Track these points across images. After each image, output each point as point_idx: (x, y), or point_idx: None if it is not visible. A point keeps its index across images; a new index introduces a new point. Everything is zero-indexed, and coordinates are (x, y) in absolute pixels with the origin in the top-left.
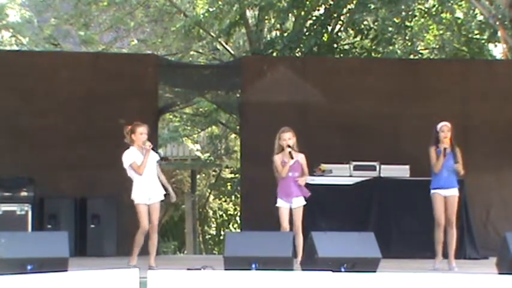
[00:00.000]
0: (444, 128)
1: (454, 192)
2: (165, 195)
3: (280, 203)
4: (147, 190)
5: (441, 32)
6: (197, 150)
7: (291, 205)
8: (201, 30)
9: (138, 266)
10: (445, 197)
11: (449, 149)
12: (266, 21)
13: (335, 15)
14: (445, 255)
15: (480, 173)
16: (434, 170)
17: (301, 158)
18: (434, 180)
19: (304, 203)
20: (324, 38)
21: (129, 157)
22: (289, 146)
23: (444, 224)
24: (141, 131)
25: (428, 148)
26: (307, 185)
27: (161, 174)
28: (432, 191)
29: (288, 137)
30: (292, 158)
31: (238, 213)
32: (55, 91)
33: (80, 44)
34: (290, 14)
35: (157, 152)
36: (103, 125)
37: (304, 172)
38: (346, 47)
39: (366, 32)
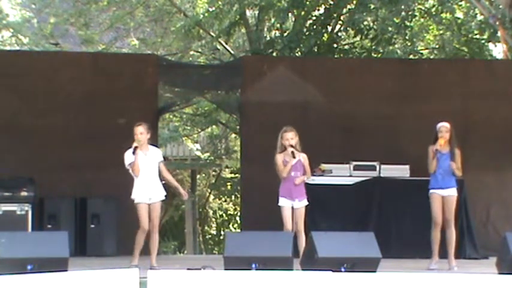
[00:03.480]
0: (442, 128)
1: (451, 192)
2: (166, 195)
3: (283, 202)
4: (147, 190)
5: (441, 32)
6: (197, 150)
7: (293, 204)
8: (201, 30)
9: (139, 266)
10: (443, 197)
11: (447, 150)
12: (266, 21)
13: (335, 15)
14: (445, 256)
15: (480, 173)
16: (429, 169)
17: (303, 157)
18: (432, 180)
19: (307, 203)
20: (324, 38)
21: (127, 157)
22: (291, 146)
23: (443, 224)
24: (136, 131)
25: (428, 147)
26: (307, 185)
27: (168, 174)
28: (430, 191)
29: (290, 137)
30: (294, 157)
31: (238, 213)
32: (55, 91)
33: (80, 43)
34: (290, 14)
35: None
36: (103, 125)
37: (306, 172)
38: (346, 47)
39: (366, 32)
